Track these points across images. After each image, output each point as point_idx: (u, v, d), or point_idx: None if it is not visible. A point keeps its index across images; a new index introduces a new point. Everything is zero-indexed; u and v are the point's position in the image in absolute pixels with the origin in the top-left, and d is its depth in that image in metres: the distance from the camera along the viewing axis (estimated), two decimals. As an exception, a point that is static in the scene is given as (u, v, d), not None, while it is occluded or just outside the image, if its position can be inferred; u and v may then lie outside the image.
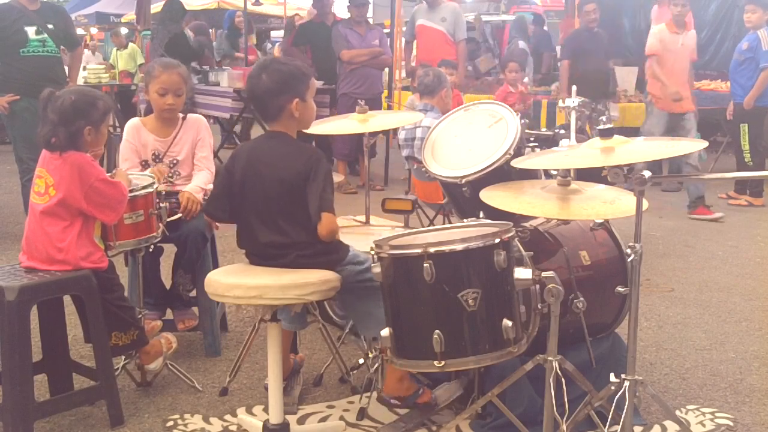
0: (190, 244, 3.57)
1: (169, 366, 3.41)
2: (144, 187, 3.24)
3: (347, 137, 7.49)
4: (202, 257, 3.66)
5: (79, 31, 14.39)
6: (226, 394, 3.34)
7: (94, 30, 18.56)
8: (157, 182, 3.36)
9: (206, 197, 3.51)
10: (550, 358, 2.52)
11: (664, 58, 7.23)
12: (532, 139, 4.36)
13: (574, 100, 4.14)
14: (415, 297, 2.50)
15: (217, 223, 3.66)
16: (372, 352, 3.22)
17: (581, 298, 2.79)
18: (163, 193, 3.47)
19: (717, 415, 3.21)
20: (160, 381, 3.43)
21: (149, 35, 10.63)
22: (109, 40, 15.07)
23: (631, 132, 4.86)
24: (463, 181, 3.02)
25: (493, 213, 2.84)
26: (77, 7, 17.95)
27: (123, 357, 3.37)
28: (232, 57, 11.68)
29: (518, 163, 2.82)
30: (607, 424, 2.61)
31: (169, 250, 3.72)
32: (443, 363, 2.46)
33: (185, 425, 3.08)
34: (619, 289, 2.61)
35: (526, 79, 8.99)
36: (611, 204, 2.70)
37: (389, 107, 8.12)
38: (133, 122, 3.81)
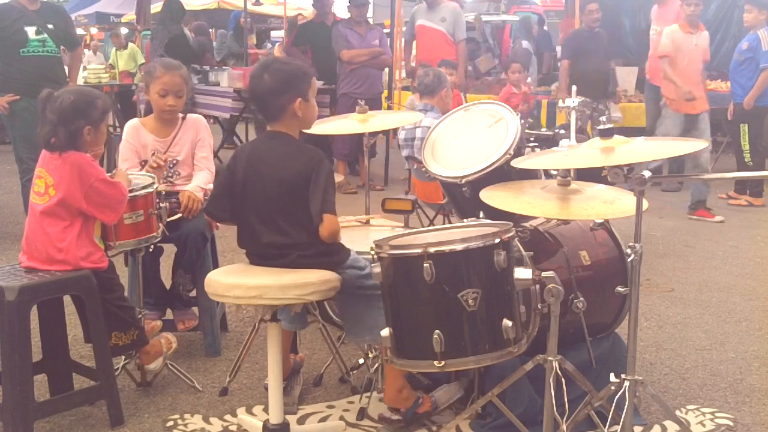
0: (190, 244, 3.57)
1: (169, 366, 3.41)
2: (144, 187, 3.24)
3: (347, 137, 7.48)
4: (202, 257, 3.66)
5: (79, 31, 14.39)
6: (226, 394, 3.34)
7: (94, 30, 18.55)
8: (157, 167, 3.34)
9: (206, 197, 3.51)
10: (550, 358, 2.52)
11: (677, 59, 7.14)
12: (532, 139, 4.36)
13: (574, 100, 4.14)
14: (415, 297, 2.50)
15: (217, 223, 3.66)
16: (372, 352, 3.22)
17: (581, 298, 2.79)
18: (163, 193, 3.47)
19: (717, 415, 3.21)
20: (160, 381, 3.43)
21: (149, 35, 10.63)
22: (109, 40, 15.08)
23: (632, 132, 4.85)
24: (463, 181, 3.02)
25: (493, 213, 2.84)
26: (77, 7, 17.94)
27: (123, 357, 3.37)
28: (241, 56, 11.71)
29: (518, 163, 2.82)
30: (607, 424, 2.61)
31: (169, 250, 3.72)
32: (443, 363, 2.46)
33: (185, 425, 3.08)
34: (619, 289, 2.61)
35: (529, 80, 9.00)
36: (611, 204, 2.70)
37: (389, 107, 8.11)
38: (133, 123, 3.82)
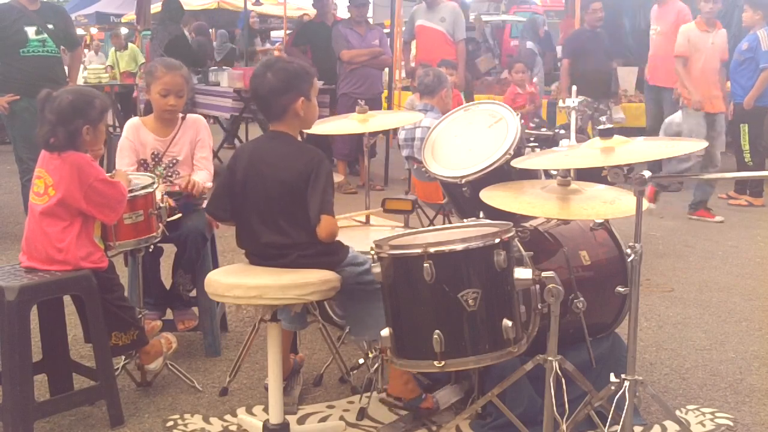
0: (190, 244, 3.57)
1: (169, 366, 3.41)
2: (144, 187, 3.24)
3: (347, 137, 7.48)
4: (202, 257, 3.66)
5: (79, 31, 14.39)
6: (226, 394, 3.34)
7: (94, 30, 18.56)
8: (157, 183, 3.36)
9: (204, 195, 3.52)
10: (550, 358, 2.52)
11: (694, 59, 7.01)
12: (532, 139, 4.36)
13: (574, 100, 4.15)
14: (415, 297, 2.50)
15: (217, 223, 3.66)
16: (372, 352, 3.22)
17: (581, 298, 2.79)
18: (164, 193, 3.47)
19: (717, 415, 3.21)
20: (160, 381, 3.43)
21: (149, 35, 10.64)
22: (109, 40, 15.08)
23: (632, 132, 4.85)
24: (463, 181, 3.02)
25: (493, 213, 2.84)
26: (77, 7, 17.95)
27: (123, 357, 3.37)
28: (253, 54, 11.73)
29: (518, 163, 2.82)
30: (607, 424, 2.61)
31: (169, 250, 3.72)
32: (443, 363, 2.45)
33: (185, 425, 3.08)
34: (619, 289, 2.61)
35: (535, 79, 8.99)
36: (611, 204, 2.70)
37: (389, 108, 8.12)
38: (133, 121, 3.82)
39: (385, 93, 9.05)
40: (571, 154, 2.81)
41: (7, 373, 2.82)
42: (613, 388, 2.53)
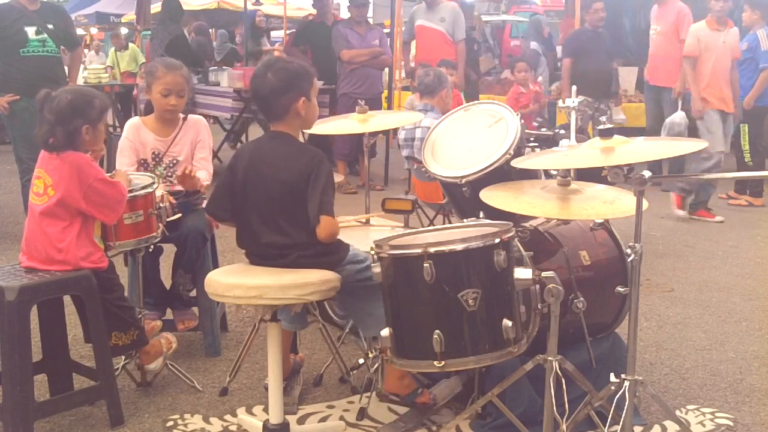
0: (190, 244, 3.57)
1: (169, 366, 3.41)
2: (144, 187, 3.24)
3: (347, 137, 7.48)
4: (202, 257, 3.66)
5: (79, 31, 14.39)
6: (226, 394, 3.34)
7: (94, 30, 18.56)
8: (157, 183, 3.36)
9: (204, 195, 3.52)
10: (550, 358, 2.52)
11: (704, 58, 6.92)
12: (532, 139, 4.36)
13: (574, 100, 4.14)
14: (415, 297, 2.50)
15: (217, 223, 3.66)
16: (372, 352, 3.22)
17: (581, 298, 2.79)
18: (164, 193, 3.47)
19: (717, 415, 3.21)
20: (160, 381, 3.43)
21: (149, 35, 10.64)
22: (109, 40, 15.11)
23: (632, 132, 4.85)
24: (463, 181, 3.02)
25: (493, 213, 2.84)
26: (77, 7, 17.95)
27: (123, 357, 3.37)
28: (259, 54, 11.74)
29: (518, 163, 2.82)
30: (607, 424, 2.61)
31: (169, 250, 3.72)
32: (443, 363, 2.45)
33: (185, 425, 3.08)
34: (619, 289, 2.61)
35: (540, 79, 8.98)
36: (611, 204, 2.70)
37: (389, 108, 8.12)
38: (134, 121, 3.82)
39: (385, 93, 9.05)
40: (571, 154, 2.81)
41: (7, 373, 2.82)
42: (613, 388, 2.53)
